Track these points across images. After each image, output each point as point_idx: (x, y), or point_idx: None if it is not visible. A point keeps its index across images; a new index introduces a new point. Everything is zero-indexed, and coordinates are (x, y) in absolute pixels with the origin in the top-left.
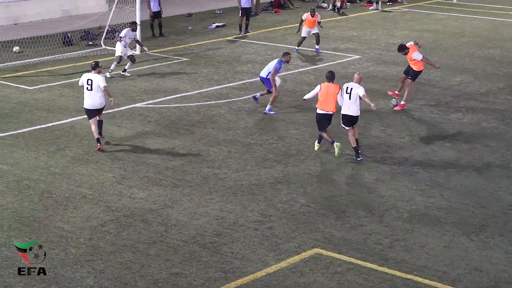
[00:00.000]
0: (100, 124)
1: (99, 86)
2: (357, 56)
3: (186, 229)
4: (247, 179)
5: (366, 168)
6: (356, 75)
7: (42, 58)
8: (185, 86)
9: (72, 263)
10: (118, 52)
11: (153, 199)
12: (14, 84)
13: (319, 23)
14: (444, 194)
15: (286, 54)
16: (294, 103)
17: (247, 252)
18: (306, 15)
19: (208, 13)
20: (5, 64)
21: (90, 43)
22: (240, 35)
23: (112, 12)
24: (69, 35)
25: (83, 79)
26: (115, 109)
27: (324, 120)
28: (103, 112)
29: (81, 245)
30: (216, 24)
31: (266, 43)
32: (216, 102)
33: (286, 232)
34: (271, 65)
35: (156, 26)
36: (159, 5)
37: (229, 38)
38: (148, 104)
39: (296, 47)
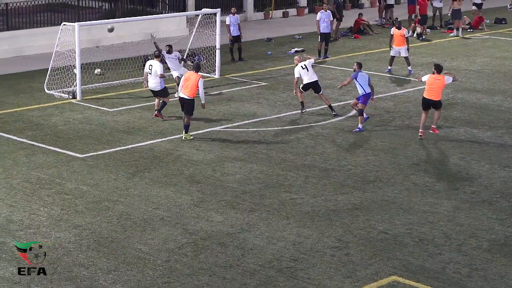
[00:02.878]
0: (162, 104)
1: (156, 72)
2: (412, 73)
3: (263, 253)
4: (325, 204)
5: (445, 196)
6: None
7: (123, 80)
8: (264, 111)
9: (149, 285)
10: (175, 74)
11: (230, 223)
12: (95, 106)
13: (407, 38)
14: None
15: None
16: (372, 130)
17: (323, 278)
18: (393, 29)
19: (287, 38)
20: (87, 86)
21: (193, 62)
22: (319, 60)
23: (192, 36)
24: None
25: (146, 65)
26: (194, 132)
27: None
28: (163, 96)
29: (158, 267)
30: (296, 49)
31: (345, 68)
32: (294, 127)
33: (363, 258)
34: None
35: (236, 50)
36: (239, 29)
37: None
38: (226, 128)
39: (389, 67)
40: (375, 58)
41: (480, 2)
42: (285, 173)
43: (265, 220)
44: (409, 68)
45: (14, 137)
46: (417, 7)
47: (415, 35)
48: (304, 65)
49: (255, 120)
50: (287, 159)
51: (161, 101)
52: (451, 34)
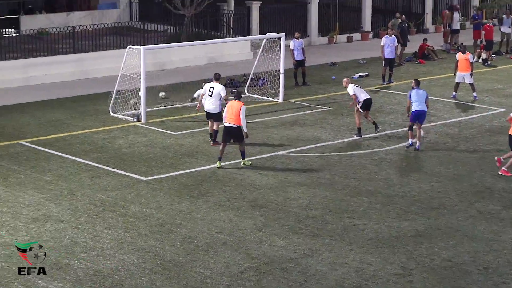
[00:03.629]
0: (215, 133)
1: (219, 94)
2: (502, 109)
3: (325, 279)
4: (388, 231)
5: (510, 224)
6: None
7: (187, 104)
8: (327, 135)
9: None
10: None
11: (293, 248)
12: (159, 129)
13: (471, 63)
14: None
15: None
16: (436, 156)
17: None
18: (458, 54)
19: (351, 62)
20: (152, 109)
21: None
22: (383, 85)
23: (256, 60)
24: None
25: (206, 87)
26: (257, 157)
27: None
28: (218, 120)
29: None
30: (360, 74)
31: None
32: (357, 152)
33: (427, 286)
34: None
35: (300, 74)
36: (303, 54)
37: (372, 88)
38: (290, 152)
39: (454, 92)
40: (440, 83)
41: None
42: (348, 198)
43: (328, 245)
44: (474, 94)
45: (79, 159)
46: (483, 32)
47: (480, 60)
48: (357, 85)
49: (318, 145)
50: (350, 184)
51: (214, 126)
52: None
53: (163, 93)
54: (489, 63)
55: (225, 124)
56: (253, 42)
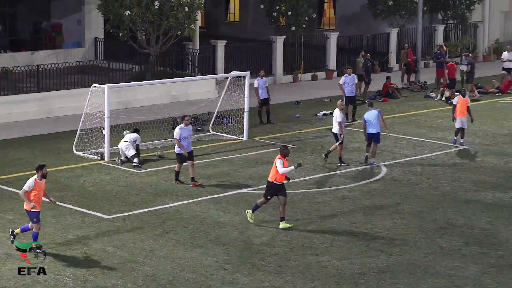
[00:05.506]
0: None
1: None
2: (465, 147)
3: None
4: (350, 267)
5: (471, 260)
6: None
7: (152, 142)
8: (291, 173)
9: None
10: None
11: (255, 285)
12: (122, 167)
13: (468, 107)
14: None
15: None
16: (399, 192)
17: None
18: (457, 99)
19: (316, 100)
20: (116, 147)
21: (199, 128)
22: (347, 123)
23: (221, 99)
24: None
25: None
26: (221, 194)
27: None
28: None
29: None
30: (324, 112)
31: None
32: (321, 189)
33: None
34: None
35: (264, 113)
36: (268, 92)
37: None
38: (254, 190)
39: (461, 140)
40: (403, 121)
41: (510, 67)
42: (311, 235)
43: (291, 282)
44: (462, 140)
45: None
46: (446, 71)
47: (443, 98)
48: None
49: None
50: (313, 221)
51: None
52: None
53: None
54: (452, 101)
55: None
56: (218, 80)
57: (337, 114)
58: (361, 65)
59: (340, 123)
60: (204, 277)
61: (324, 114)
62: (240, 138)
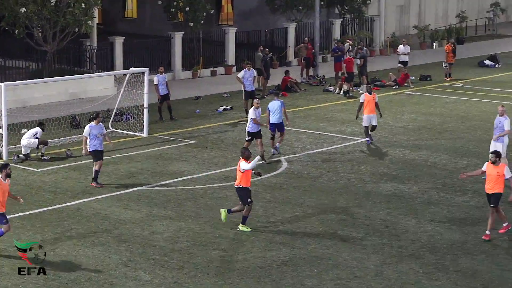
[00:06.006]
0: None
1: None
2: (363, 139)
3: None
4: (253, 261)
5: (372, 251)
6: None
7: (50, 140)
8: (192, 169)
9: None
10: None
11: (158, 282)
12: (21, 166)
13: (376, 103)
14: (450, 277)
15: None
16: (300, 186)
17: None
18: (363, 96)
19: (215, 96)
20: (14, 146)
21: None
22: (246, 118)
23: (120, 95)
24: (77, 117)
25: (87, 129)
26: (122, 191)
27: None
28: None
29: None
30: (224, 107)
31: None
32: (222, 184)
33: None
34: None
35: (165, 109)
36: (167, 88)
37: (236, 120)
38: (154, 186)
39: (368, 139)
40: (303, 115)
41: (406, 60)
42: (214, 230)
43: (194, 278)
44: (368, 138)
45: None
46: (344, 65)
47: (341, 92)
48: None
49: (183, 178)
50: (215, 216)
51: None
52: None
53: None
54: (350, 94)
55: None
56: (117, 77)
57: (250, 112)
58: (260, 60)
59: (254, 119)
60: (107, 275)
61: (224, 110)
62: (140, 134)
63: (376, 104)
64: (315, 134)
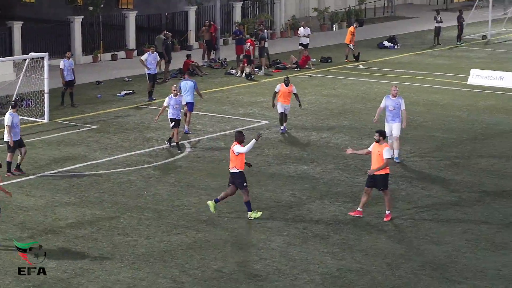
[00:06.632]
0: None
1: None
2: (266, 121)
3: None
4: (158, 245)
5: (277, 232)
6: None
7: None
8: (95, 154)
9: None
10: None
11: (63, 268)
12: None
13: (295, 95)
14: (355, 256)
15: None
16: (204, 169)
17: None
18: (279, 86)
19: (117, 80)
20: None
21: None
22: (149, 102)
23: (20, 81)
24: None
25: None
26: (24, 178)
27: None
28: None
29: None
30: (125, 91)
31: None
32: (126, 169)
33: None
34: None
35: (67, 94)
36: (73, 74)
37: (138, 105)
38: (57, 172)
39: (281, 127)
40: (205, 98)
41: (306, 42)
42: (118, 215)
43: (99, 264)
44: (283, 126)
45: None
46: (245, 47)
47: (243, 75)
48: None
49: (86, 163)
50: (119, 201)
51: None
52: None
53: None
54: (252, 77)
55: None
56: (16, 62)
57: (166, 100)
58: (161, 44)
59: (164, 107)
60: (10, 263)
61: (126, 94)
62: (41, 120)
63: (296, 95)
64: (218, 117)
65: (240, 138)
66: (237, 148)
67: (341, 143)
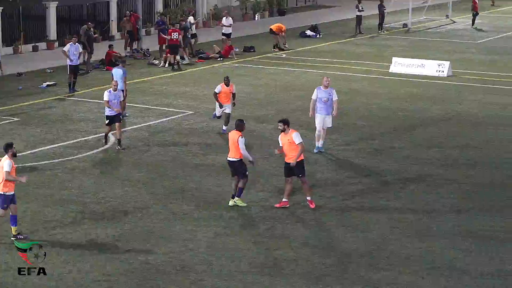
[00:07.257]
0: None
1: None
2: (190, 112)
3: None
4: (85, 238)
5: (203, 223)
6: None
7: None
8: (18, 147)
9: None
10: None
11: (5, 267)
12: None
13: (233, 95)
14: (282, 245)
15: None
16: (128, 160)
17: None
18: (220, 87)
19: (38, 72)
20: None
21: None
22: (71, 94)
23: None
24: None
25: None
26: None
27: None
28: None
29: None
30: (47, 83)
31: (99, 101)
32: (50, 161)
33: None
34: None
35: None
36: (1, 67)
37: (61, 96)
38: None
39: (224, 130)
40: (129, 89)
41: (229, 31)
42: (43, 209)
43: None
44: (224, 128)
45: None
46: (167, 37)
47: (167, 65)
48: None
49: None
50: (44, 194)
51: None
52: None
53: None
54: (175, 67)
55: (228, 159)
56: None
57: (104, 94)
58: (83, 35)
59: (106, 102)
60: None
61: (48, 85)
62: None
63: (233, 95)
64: (142, 108)
65: (242, 127)
66: (241, 143)
67: (266, 132)
